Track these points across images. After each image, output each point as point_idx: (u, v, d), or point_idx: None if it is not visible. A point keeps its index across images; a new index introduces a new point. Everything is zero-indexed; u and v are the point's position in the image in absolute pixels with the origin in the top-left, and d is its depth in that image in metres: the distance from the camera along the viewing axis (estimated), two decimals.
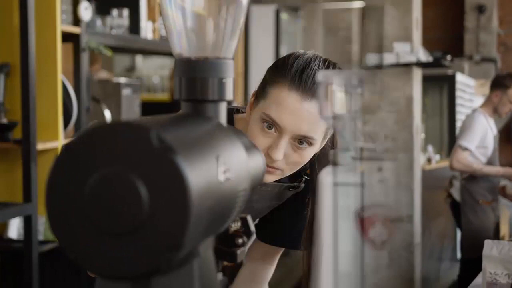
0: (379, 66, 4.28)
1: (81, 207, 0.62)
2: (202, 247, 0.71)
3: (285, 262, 4.35)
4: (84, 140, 0.63)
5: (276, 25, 5.50)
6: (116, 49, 3.37)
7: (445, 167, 6.41)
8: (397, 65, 4.86)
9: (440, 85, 6.95)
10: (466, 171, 4.38)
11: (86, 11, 2.69)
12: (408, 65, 4.91)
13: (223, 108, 0.83)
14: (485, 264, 2.04)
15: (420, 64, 5.01)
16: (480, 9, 8.98)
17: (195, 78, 0.81)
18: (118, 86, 3.17)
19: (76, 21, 2.71)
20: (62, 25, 2.59)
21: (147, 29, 3.22)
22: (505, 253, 2.03)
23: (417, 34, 5.35)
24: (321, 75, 0.72)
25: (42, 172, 2.47)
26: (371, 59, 5.05)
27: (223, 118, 0.83)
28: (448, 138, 7.05)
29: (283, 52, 6.15)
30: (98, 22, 2.99)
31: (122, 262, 0.62)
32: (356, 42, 7.28)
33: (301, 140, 1.27)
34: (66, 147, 0.63)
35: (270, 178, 1.32)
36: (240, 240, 0.87)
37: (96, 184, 0.62)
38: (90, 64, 3.63)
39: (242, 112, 1.46)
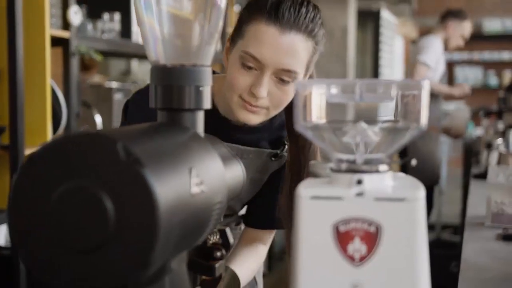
0: None
1: (45, 221, 0.60)
2: (174, 262, 0.69)
3: (281, 267, 4.32)
4: (49, 151, 0.60)
5: None
6: (107, 54, 3.34)
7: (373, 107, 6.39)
8: None
9: (364, 19, 6.85)
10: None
11: (76, 15, 2.66)
12: None
13: (200, 116, 0.81)
14: (490, 192, 1.88)
15: None
16: None
17: (171, 86, 0.79)
18: (110, 91, 3.14)
19: (66, 25, 2.68)
20: (52, 29, 2.56)
21: (138, 34, 3.19)
22: None
23: None
24: (299, 85, 0.69)
25: None
26: None
27: (200, 127, 0.80)
28: (372, 75, 7.03)
29: None
30: (89, 26, 2.96)
31: (87, 279, 0.59)
32: None
33: (283, 77, 1.25)
34: (30, 158, 0.61)
35: (255, 119, 1.29)
36: (218, 253, 0.85)
37: (60, 197, 0.59)
38: (86, 69, 3.61)
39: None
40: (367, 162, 0.69)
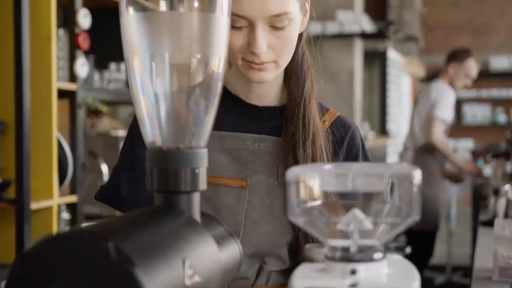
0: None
1: None
2: None
3: None
4: (39, 251, 0.60)
5: None
6: (114, 103, 3.37)
7: (381, 145, 6.38)
8: (340, 36, 4.77)
9: (370, 60, 6.90)
10: (441, 149, 4.38)
11: (82, 68, 2.69)
12: (350, 36, 4.85)
13: (196, 198, 0.81)
14: (497, 246, 1.83)
15: (364, 35, 4.99)
16: None
17: (167, 168, 0.79)
18: (116, 139, 3.16)
19: (73, 77, 2.71)
20: (59, 82, 2.59)
21: None
22: None
23: (359, 2, 5.30)
24: (292, 173, 0.69)
25: (36, 232, 2.44)
26: (312, 27, 5.03)
27: (196, 209, 0.80)
28: (379, 114, 7.02)
29: None
30: (96, 76, 2.99)
31: None
32: None
33: (276, 24, 1.15)
34: (21, 257, 0.61)
35: (267, 76, 1.20)
36: None
37: None
38: (95, 114, 3.64)
39: None
40: (361, 249, 0.69)
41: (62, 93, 2.65)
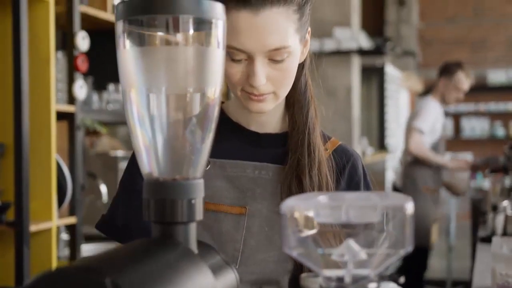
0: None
1: None
2: None
3: None
4: (38, 286, 0.61)
5: None
6: (113, 123, 3.38)
7: (380, 160, 6.39)
8: (338, 53, 4.80)
9: (368, 75, 6.93)
10: (421, 156, 4.39)
11: (81, 90, 2.71)
12: (348, 53, 4.87)
13: (192, 229, 0.82)
14: (495, 264, 1.83)
15: (361, 52, 5.01)
16: (401, 2, 9.12)
17: (164, 200, 0.80)
18: (115, 159, 3.17)
19: (72, 99, 2.72)
20: (57, 104, 2.60)
21: None
22: None
23: (356, 19, 5.33)
24: (286, 205, 0.70)
25: (35, 254, 2.45)
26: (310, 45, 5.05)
27: (192, 239, 0.81)
28: (378, 130, 7.05)
29: None
30: (95, 97, 3.01)
31: None
32: None
33: (275, 57, 1.15)
34: None
35: (266, 106, 1.20)
36: None
37: None
38: (94, 133, 3.65)
39: None
40: (356, 279, 0.70)
41: (61, 115, 2.66)
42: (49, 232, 2.54)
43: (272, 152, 1.29)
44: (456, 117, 10.08)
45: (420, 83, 9.26)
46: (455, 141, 9.92)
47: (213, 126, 0.86)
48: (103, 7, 2.94)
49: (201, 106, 0.83)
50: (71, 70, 2.71)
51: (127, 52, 0.79)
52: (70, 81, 2.71)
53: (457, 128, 10.06)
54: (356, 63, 5.38)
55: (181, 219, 0.80)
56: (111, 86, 3.11)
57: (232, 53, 1.16)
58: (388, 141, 7.27)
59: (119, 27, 0.78)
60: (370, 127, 7.15)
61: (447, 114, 9.42)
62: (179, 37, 0.78)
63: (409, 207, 0.69)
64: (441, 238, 7.36)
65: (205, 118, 0.84)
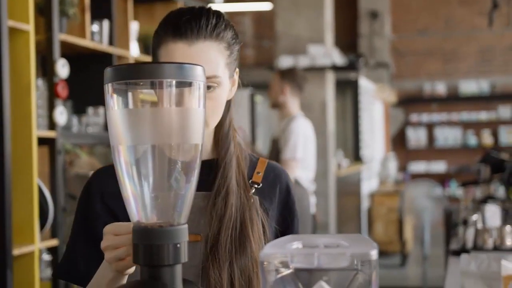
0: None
1: None
2: None
3: None
4: None
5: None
6: (93, 145, 3.43)
7: (356, 172, 6.49)
8: (312, 69, 4.87)
9: (343, 89, 7.07)
10: None
11: (61, 116, 2.76)
12: (322, 69, 4.96)
13: (178, 270, 0.90)
14: (464, 280, 1.88)
15: (335, 68, 5.12)
16: (373, 15, 9.28)
17: (151, 245, 0.88)
18: None
19: (52, 125, 2.78)
20: (38, 130, 2.65)
21: None
22: (484, 268, 1.88)
23: (329, 36, 5.44)
24: (264, 255, 0.78)
25: (17, 277, 2.49)
26: (285, 61, 5.08)
27: (178, 280, 0.89)
28: (353, 142, 7.19)
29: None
30: (75, 120, 3.06)
31: None
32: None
33: (207, 84, 1.19)
34: None
35: None
36: None
37: None
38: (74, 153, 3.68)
39: None
40: None
41: (42, 140, 2.72)
42: (32, 255, 2.58)
43: (204, 179, 1.30)
44: (430, 127, 10.24)
45: (394, 94, 9.41)
46: (429, 150, 10.09)
47: (196, 173, 0.93)
48: (82, 34, 3.00)
49: (184, 157, 0.91)
50: (52, 96, 2.76)
51: (115, 113, 0.87)
52: (51, 107, 2.77)
53: (431, 138, 10.23)
54: (330, 78, 5.49)
55: (168, 262, 0.88)
56: (90, 110, 3.17)
57: None
58: (363, 152, 7.39)
59: (109, 89, 0.86)
60: (345, 140, 7.27)
61: (420, 124, 9.71)
62: (163, 98, 0.86)
63: (374, 254, 0.77)
64: (416, 246, 7.48)
65: (188, 169, 0.92)
